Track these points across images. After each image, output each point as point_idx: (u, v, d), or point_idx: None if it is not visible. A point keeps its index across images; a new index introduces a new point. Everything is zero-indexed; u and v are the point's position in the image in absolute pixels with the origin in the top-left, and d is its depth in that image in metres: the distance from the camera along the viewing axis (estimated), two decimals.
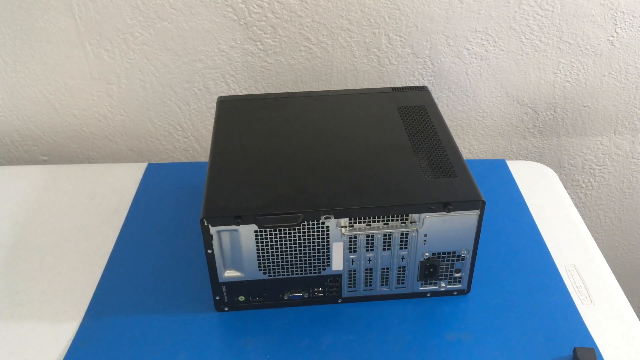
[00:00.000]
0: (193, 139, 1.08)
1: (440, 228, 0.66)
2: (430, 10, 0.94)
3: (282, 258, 0.67)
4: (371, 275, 0.70)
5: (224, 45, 0.97)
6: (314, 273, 0.69)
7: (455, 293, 0.72)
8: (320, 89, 1.02)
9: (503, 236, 0.82)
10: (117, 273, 0.76)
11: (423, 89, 0.87)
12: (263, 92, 1.02)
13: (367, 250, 0.67)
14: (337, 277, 0.69)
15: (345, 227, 0.65)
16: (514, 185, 0.92)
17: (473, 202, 0.65)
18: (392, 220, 0.65)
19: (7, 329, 0.69)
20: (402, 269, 0.69)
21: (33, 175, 0.95)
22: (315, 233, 0.65)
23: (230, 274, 0.68)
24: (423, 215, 0.65)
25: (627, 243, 1.24)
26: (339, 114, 0.81)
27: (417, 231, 0.66)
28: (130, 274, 0.76)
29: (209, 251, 0.65)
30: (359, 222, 0.65)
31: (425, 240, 0.67)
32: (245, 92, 1.02)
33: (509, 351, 0.66)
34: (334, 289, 0.70)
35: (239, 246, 0.65)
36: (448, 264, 0.70)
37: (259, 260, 0.67)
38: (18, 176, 0.96)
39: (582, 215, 0.90)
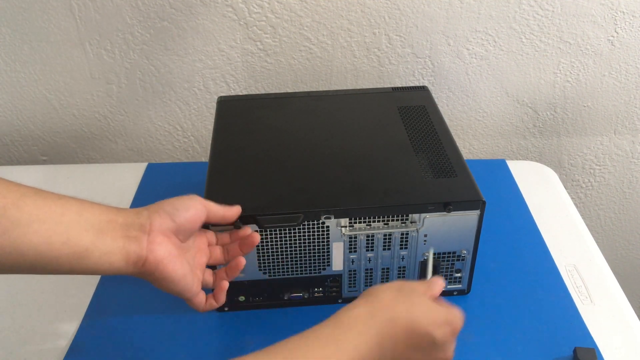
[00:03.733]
0: (193, 139, 1.08)
1: (440, 228, 0.66)
2: (430, 10, 0.94)
3: (282, 258, 0.67)
4: (371, 275, 0.70)
5: (224, 45, 0.97)
6: (314, 273, 0.69)
7: (455, 293, 0.72)
8: (320, 89, 1.01)
9: (503, 236, 0.82)
10: None
11: (423, 89, 0.87)
12: (263, 92, 1.02)
13: (367, 250, 0.67)
14: (337, 277, 0.69)
15: (346, 227, 0.65)
16: (514, 185, 0.92)
17: (473, 202, 0.65)
18: (392, 220, 0.65)
19: (7, 329, 0.69)
20: (402, 269, 0.69)
21: (33, 175, 0.95)
22: (316, 233, 0.65)
23: None
24: (423, 215, 0.65)
25: (627, 243, 1.24)
26: (339, 114, 0.81)
27: (417, 231, 0.66)
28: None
29: None
30: (359, 222, 0.65)
31: (425, 240, 0.67)
32: (245, 92, 1.02)
33: (509, 351, 0.66)
34: (334, 289, 0.70)
35: None
36: (448, 264, 0.70)
37: (259, 260, 0.67)
38: (18, 176, 0.94)
39: (582, 215, 0.89)
